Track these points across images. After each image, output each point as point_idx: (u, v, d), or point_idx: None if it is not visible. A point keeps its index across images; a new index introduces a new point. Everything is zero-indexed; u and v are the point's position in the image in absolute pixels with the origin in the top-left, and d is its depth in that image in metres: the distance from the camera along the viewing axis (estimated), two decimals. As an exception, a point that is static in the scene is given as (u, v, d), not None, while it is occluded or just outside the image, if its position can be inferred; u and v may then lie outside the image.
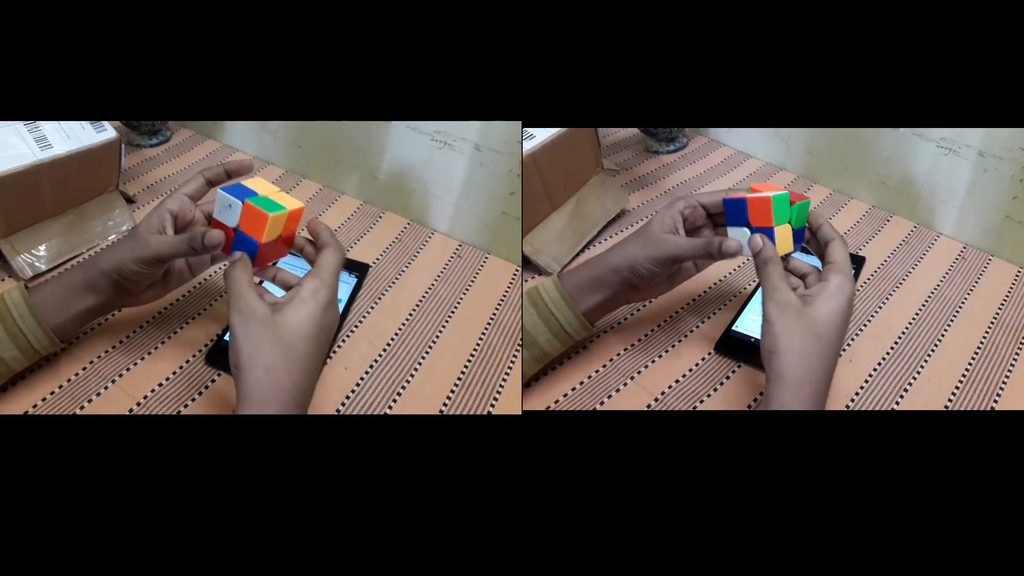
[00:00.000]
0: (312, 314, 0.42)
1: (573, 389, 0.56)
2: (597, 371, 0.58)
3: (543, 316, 0.52)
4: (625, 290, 0.53)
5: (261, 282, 0.48)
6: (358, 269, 0.67)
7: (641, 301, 0.58)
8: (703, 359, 0.59)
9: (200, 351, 0.57)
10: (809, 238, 0.52)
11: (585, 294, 0.53)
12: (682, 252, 0.51)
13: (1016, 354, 0.60)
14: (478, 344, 0.62)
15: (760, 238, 0.48)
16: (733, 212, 0.51)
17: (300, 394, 0.42)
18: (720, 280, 0.68)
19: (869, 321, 0.63)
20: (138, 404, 0.52)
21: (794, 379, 0.42)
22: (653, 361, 0.59)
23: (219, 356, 0.56)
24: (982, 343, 0.61)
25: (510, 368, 0.60)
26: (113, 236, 0.69)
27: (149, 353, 0.56)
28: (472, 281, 0.69)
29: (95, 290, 0.48)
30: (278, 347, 0.41)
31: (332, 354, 0.58)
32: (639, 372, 0.58)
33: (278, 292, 0.47)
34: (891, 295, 0.66)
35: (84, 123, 0.67)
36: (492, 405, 0.56)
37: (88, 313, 0.49)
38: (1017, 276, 0.69)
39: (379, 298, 0.66)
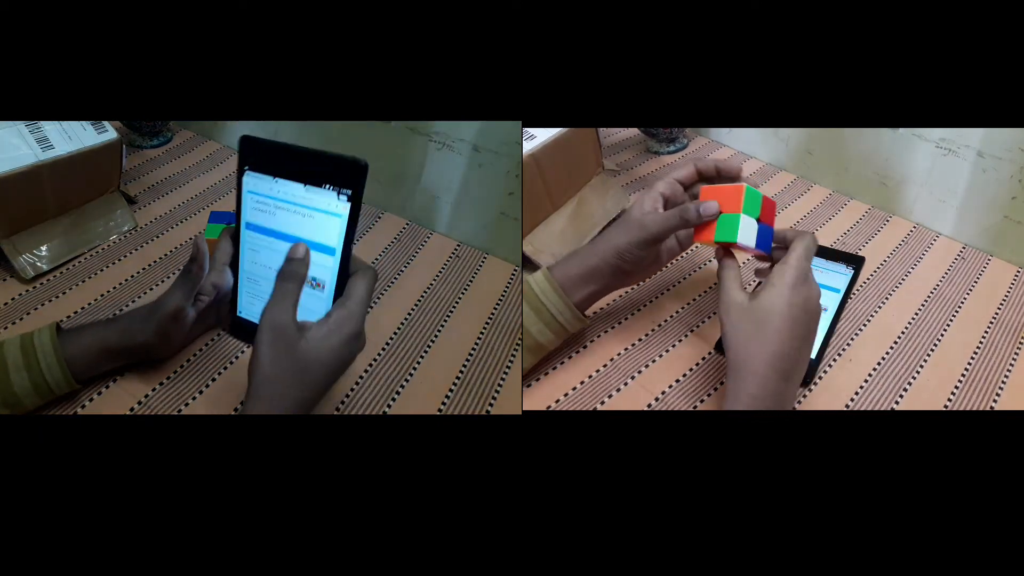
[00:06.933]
0: (334, 346, 0.43)
1: (573, 389, 0.56)
2: (597, 371, 0.58)
3: (533, 306, 0.53)
4: (616, 276, 0.55)
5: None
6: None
7: (631, 284, 0.60)
8: (703, 359, 0.59)
9: (201, 350, 0.57)
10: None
11: (578, 285, 0.54)
12: (662, 227, 0.52)
13: (1015, 354, 0.60)
14: (476, 344, 0.62)
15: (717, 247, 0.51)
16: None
17: (304, 406, 0.44)
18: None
19: (868, 321, 0.63)
20: (139, 403, 0.52)
21: (735, 365, 0.46)
22: (653, 361, 0.59)
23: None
24: (981, 343, 0.61)
25: (508, 368, 0.60)
26: (114, 236, 0.69)
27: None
28: (470, 281, 0.69)
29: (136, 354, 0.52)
30: (295, 371, 0.42)
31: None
32: (639, 372, 0.58)
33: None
34: (890, 295, 0.66)
35: (85, 124, 0.67)
36: (491, 405, 0.56)
37: (115, 367, 0.53)
38: (1016, 276, 0.69)
39: (378, 298, 0.66)
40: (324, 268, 0.46)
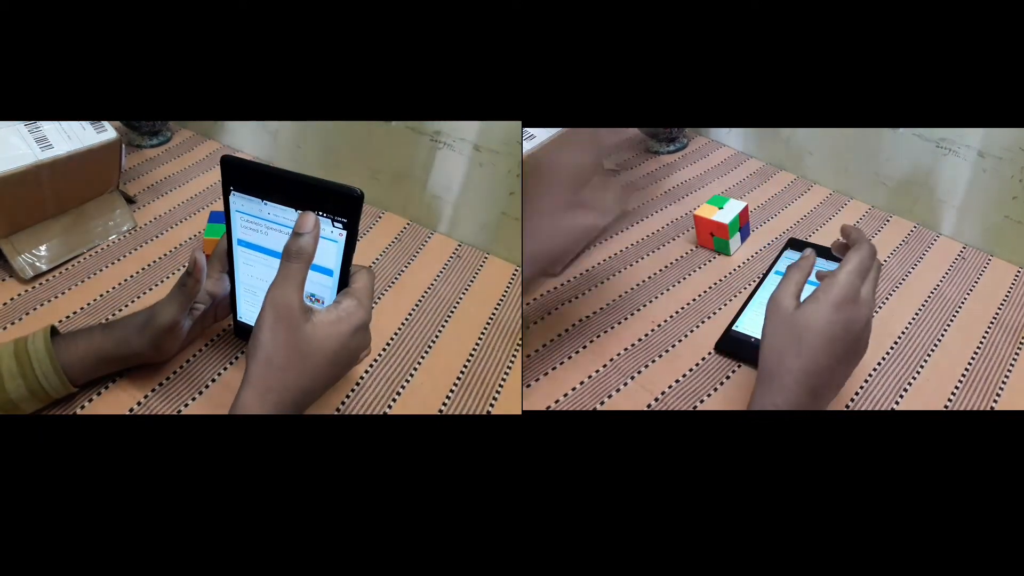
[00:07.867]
0: (342, 333, 0.41)
1: (573, 389, 0.56)
2: (597, 371, 0.58)
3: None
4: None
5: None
6: (358, 269, 0.67)
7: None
8: (703, 359, 0.59)
9: (200, 351, 0.57)
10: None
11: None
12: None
13: (1016, 354, 0.60)
14: (477, 344, 0.62)
15: (809, 251, 0.50)
16: None
17: (303, 396, 0.42)
18: (720, 280, 0.68)
19: (869, 321, 0.63)
20: (138, 403, 0.52)
21: (765, 372, 0.45)
22: (653, 361, 0.59)
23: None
24: (982, 343, 0.61)
25: (509, 368, 0.60)
26: (113, 236, 0.69)
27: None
28: (471, 281, 0.69)
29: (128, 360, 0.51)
30: (296, 354, 0.40)
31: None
32: (639, 372, 0.58)
33: None
34: (890, 295, 0.66)
35: (84, 123, 0.67)
36: (491, 405, 0.56)
37: (111, 373, 0.53)
38: (1017, 276, 0.69)
39: (379, 298, 0.66)
40: (323, 287, 0.45)
